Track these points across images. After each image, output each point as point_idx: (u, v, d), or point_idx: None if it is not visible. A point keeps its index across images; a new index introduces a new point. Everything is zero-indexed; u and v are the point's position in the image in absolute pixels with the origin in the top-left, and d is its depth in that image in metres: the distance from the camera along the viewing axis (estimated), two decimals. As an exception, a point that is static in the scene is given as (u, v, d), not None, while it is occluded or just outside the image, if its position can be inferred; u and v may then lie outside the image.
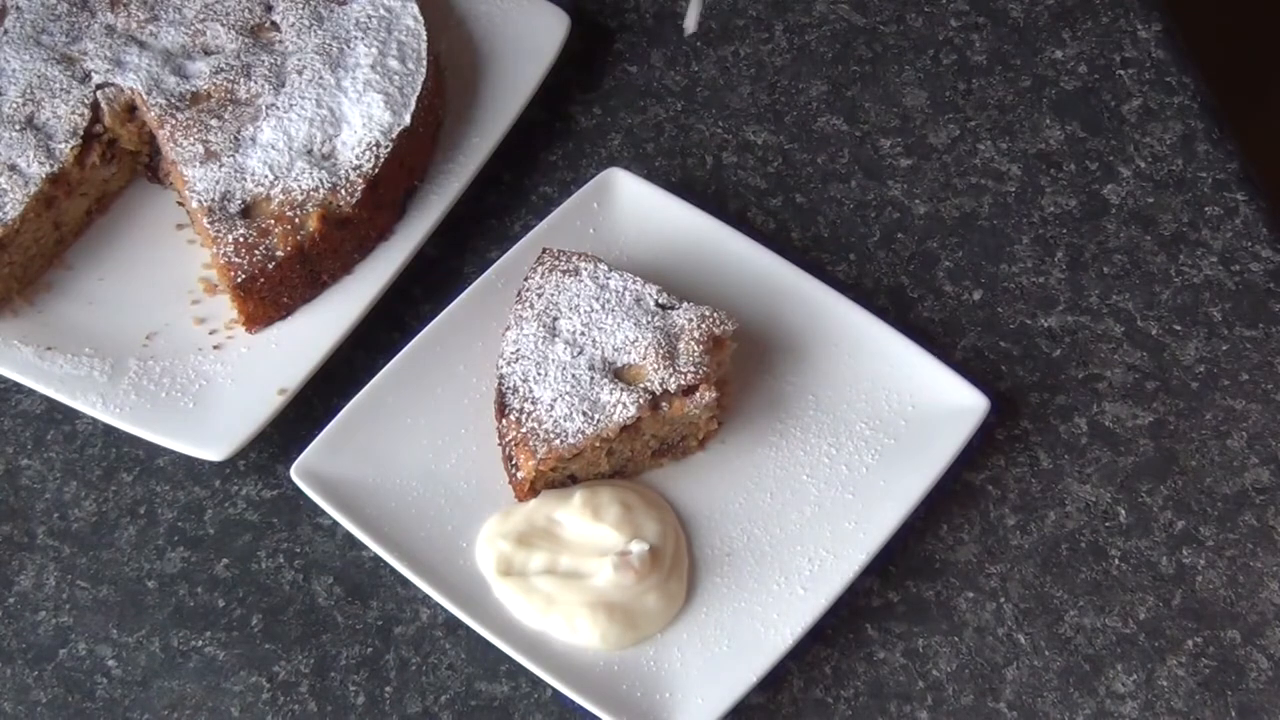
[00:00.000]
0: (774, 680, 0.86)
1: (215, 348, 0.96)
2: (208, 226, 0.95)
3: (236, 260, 0.94)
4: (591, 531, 0.87)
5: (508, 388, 0.89)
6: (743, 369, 0.94)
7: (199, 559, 0.91)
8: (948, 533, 0.92)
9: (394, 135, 0.98)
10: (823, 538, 0.88)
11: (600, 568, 0.85)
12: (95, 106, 0.99)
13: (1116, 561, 0.91)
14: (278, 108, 0.99)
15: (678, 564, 0.87)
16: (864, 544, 0.87)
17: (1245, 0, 1.65)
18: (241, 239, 0.94)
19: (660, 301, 0.90)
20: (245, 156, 0.97)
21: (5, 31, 1.01)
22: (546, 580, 0.85)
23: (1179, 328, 0.99)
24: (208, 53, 1.02)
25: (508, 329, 0.91)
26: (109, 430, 0.95)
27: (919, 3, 1.14)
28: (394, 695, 0.87)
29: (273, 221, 0.95)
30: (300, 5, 1.03)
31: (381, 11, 1.03)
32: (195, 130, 0.98)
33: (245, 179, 0.96)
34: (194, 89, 1.00)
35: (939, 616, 0.89)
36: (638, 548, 0.85)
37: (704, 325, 0.89)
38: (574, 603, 0.84)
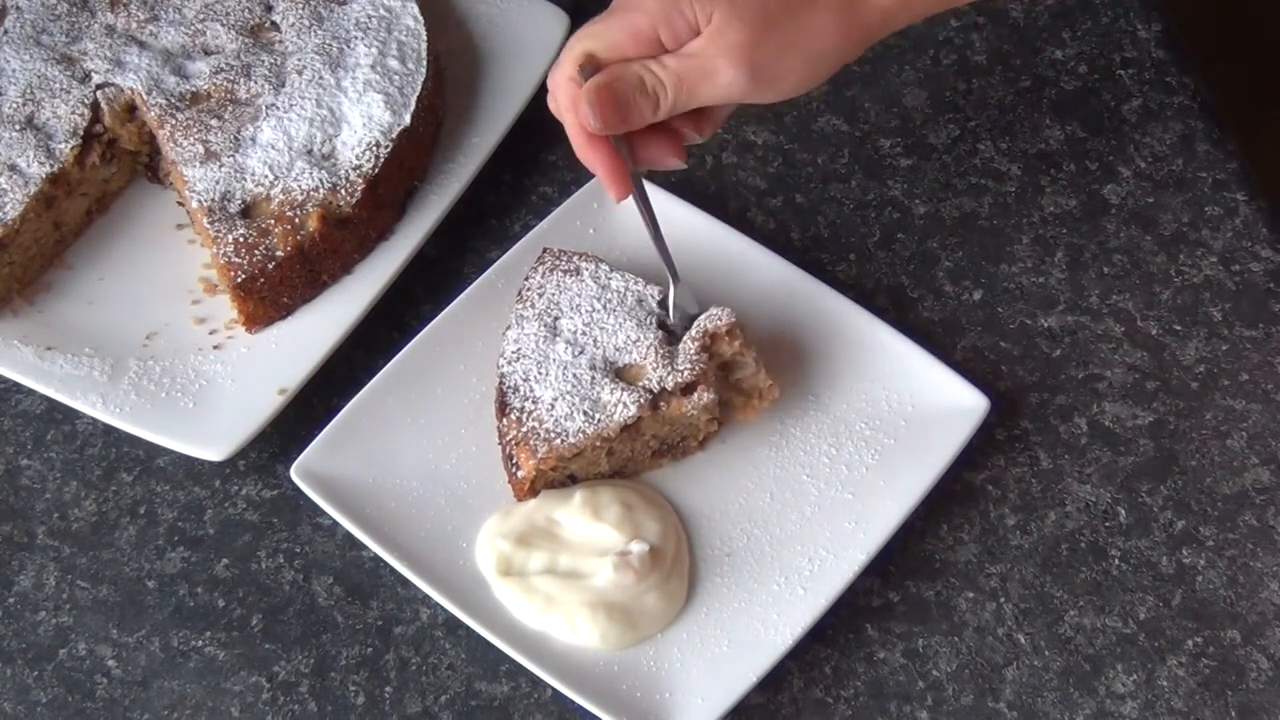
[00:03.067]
0: (774, 680, 0.86)
1: (215, 348, 0.96)
2: (208, 226, 0.95)
3: (236, 260, 0.94)
4: (591, 531, 0.87)
5: (508, 387, 0.89)
6: (743, 369, 0.94)
7: (199, 559, 0.91)
8: (948, 533, 0.92)
9: (394, 135, 0.98)
10: (823, 538, 0.88)
11: (600, 568, 0.85)
12: (95, 106, 0.99)
13: (1116, 561, 0.91)
14: (278, 108, 0.99)
15: (678, 564, 0.87)
16: (864, 544, 0.87)
17: (1245, 0, 1.65)
18: (241, 239, 0.94)
19: (660, 299, 0.90)
20: (245, 156, 0.97)
21: (5, 31, 1.01)
22: (546, 580, 0.85)
23: (1179, 328, 0.99)
24: (208, 53, 1.02)
25: (508, 328, 0.91)
26: (109, 430, 0.95)
27: (919, 3, 1.14)
28: (394, 695, 0.87)
29: (273, 221, 0.95)
30: (300, 5, 1.03)
31: (381, 11, 1.03)
32: (195, 130, 0.98)
33: (245, 179, 0.96)
34: (194, 89, 1.00)
35: (939, 616, 0.89)
36: (638, 548, 0.85)
37: (702, 323, 0.89)
38: (574, 603, 0.84)
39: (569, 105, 0.79)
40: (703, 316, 0.89)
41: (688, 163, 0.84)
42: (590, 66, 0.79)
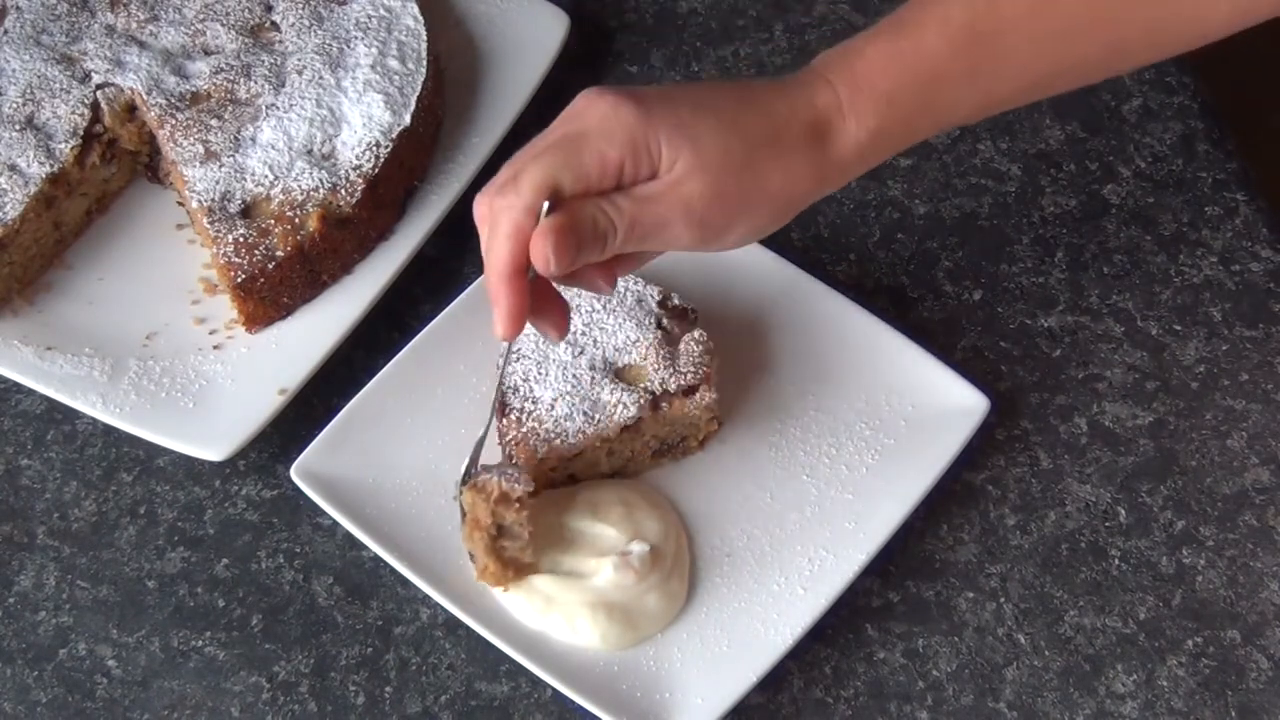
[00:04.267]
0: (774, 680, 0.85)
1: (215, 348, 0.96)
2: (208, 226, 0.95)
3: (236, 260, 0.94)
4: (592, 531, 0.87)
5: (508, 387, 0.89)
6: (743, 369, 0.94)
7: (199, 559, 0.91)
8: (948, 533, 0.92)
9: (394, 135, 0.98)
10: (823, 538, 0.88)
11: (600, 568, 0.85)
12: (95, 106, 0.99)
13: (1116, 561, 0.91)
14: (278, 108, 0.99)
15: (679, 564, 0.87)
16: (864, 544, 0.87)
17: (1245, 0, 1.64)
18: (241, 239, 0.94)
19: (659, 299, 0.90)
20: (245, 156, 0.97)
21: (5, 31, 1.02)
22: (546, 580, 0.85)
23: (1179, 328, 0.99)
24: (208, 53, 1.02)
25: (508, 329, 0.91)
26: (109, 430, 0.95)
27: (919, 3, 1.14)
28: (394, 695, 0.87)
29: (273, 221, 0.95)
30: (300, 5, 1.03)
31: (381, 11, 1.03)
32: (195, 130, 0.98)
33: (245, 179, 0.96)
34: (194, 89, 1.00)
35: (939, 616, 0.89)
36: (638, 548, 0.85)
37: (495, 479, 0.82)
38: (574, 603, 0.84)
39: (514, 236, 0.70)
40: (493, 473, 0.81)
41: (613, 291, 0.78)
42: (552, 199, 0.70)
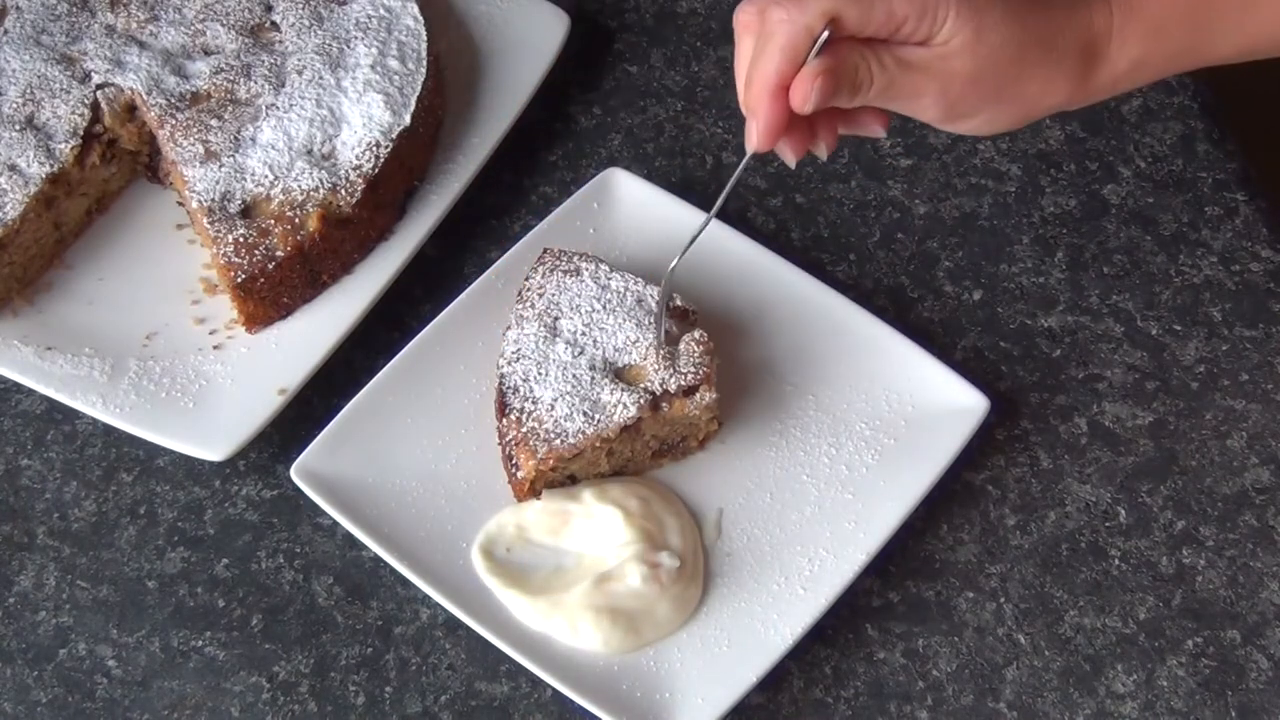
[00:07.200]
0: (774, 680, 0.86)
1: (215, 348, 0.96)
2: (208, 226, 0.95)
3: (236, 260, 0.94)
4: (599, 533, 0.86)
5: (508, 387, 0.89)
6: (743, 369, 0.94)
7: (199, 559, 0.91)
8: (948, 533, 0.92)
9: (394, 135, 0.98)
10: (823, 538, 0.88)
11: (626, 572, 0.84)
12: (95, 106, 0.99)
13: (1116, 561, 0.91)
14: (278, 108, 0.99)
15: (695, 572, 0.86)
16: (864, 544, 0.87)
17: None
18: (241, 239, 0.94)
19: (660, 299, 0.90)
20: (245, 156, 0.97)
21: (5, 31, 1.01)
22: (549, 582, 0.85)
23: (1179, 328, 0.99)
24: (208, 53, 1.02)
25: (508, 328, 0.91)
26: (109, 430, 0.95)
27: (919, 3, 1.14)
28: (394, 695, 0.87)
29: (273, 221, 0.95)
30: (300, 5, 1.03)
31: (381, 11, 1.03)
32: (195, 130, 0.98)
33: (245, 179, 0.96)
34: (194, 89, 1.00)
35: (939, 616, 0.89)
36: (669, 561, 0.85)
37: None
38: (578, 606, 0.84)
39: (789, 51, 0.70)
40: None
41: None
42: (827, 30, 0.70)
